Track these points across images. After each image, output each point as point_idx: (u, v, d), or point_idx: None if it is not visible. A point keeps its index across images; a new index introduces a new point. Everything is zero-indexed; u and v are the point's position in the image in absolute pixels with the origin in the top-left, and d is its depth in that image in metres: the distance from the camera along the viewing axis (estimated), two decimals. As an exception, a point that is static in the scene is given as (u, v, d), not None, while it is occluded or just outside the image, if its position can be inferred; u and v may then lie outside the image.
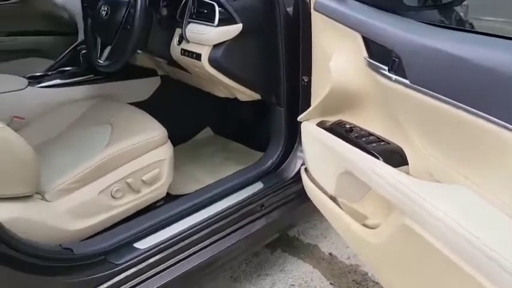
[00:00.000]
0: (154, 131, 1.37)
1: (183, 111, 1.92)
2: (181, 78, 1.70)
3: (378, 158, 0.87)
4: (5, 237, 0.95)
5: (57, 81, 1.61)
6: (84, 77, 1.66)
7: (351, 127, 0.98)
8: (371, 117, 0.97)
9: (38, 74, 1.68)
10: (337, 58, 1.00)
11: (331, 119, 1.10)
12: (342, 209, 1.10)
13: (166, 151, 1.37)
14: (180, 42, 1.39)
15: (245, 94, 1.49)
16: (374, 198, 1.03)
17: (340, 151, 0.96)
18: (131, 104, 1.73)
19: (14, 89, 1.51)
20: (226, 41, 1.31)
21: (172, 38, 1.43)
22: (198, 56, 1.33)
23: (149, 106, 1.80)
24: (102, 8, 1.37)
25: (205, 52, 1.32)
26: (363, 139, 0.93)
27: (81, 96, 1.64)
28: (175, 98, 1.87)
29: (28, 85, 1.55)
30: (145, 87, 1.81)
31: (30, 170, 1.09)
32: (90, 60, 1.52)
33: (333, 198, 1.12)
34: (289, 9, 1.34)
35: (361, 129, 0.98)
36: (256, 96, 1.50)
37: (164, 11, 1.38)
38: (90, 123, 1.48)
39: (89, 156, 1.25)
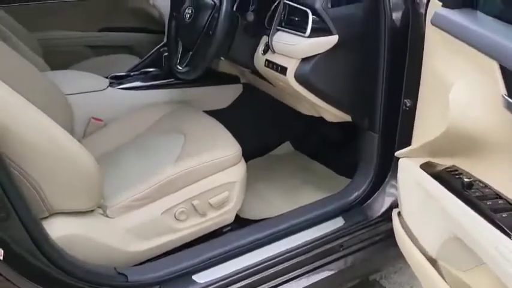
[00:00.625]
0: (228, 148, 1.24)
1: (263, 122, 1.78)
2: (264, 89, 1.56)
3: (508, 235, 0.64)
4: (60, 261, 0.89)
5: (138, 84, 1.55)
6: (165, 81, 1.58)
7: (471, 181, 0.75)
8: (502, 173, 0.73)
9: (120, 74, 1.64)
10: (459, 89, 0.77)
11: (442, 162, 0.88)
12: (443, 277, 0.87)
13: (238, 172, 1.23)
14: (265, 52, 1.24)
15: (333, 114, 1.30)
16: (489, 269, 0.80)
17: (453, 212, 0.74)
18: (210, 111, 1.65)
19: (95, 89, 1.48)
20: (318, 54, 1.13)
21: (257, 46, 1.29)
22: (283, 70, 1.17)
23: (228, 114, 1.70)
24: (186, 10, 1.26)
25: (291, 66, 1.15)
26: (488, 203, 0.70)
27: (160, 99, 1.56)
28: (255, 107, 1.74)
29: (109, 86, 1.51)
30: (227, 95, 1.69)
31: (93, 183, 1.02)
32: (170, 64, 1.43)
33: (433, 261, 0.90)
34: (396, 19, 1.12)
35: (486, 187, 0.74)
36: (346, 117, 1.30)
37: (251, 16, 1.23)
38: (164, 130, 1.40)
39: (157, 170, 1.16)
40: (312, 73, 1.15)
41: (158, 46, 1.71)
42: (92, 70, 1.92)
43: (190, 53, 1.28)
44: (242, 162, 1.26)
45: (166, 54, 1.57)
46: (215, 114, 1.59)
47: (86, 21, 2.14)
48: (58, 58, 2.04)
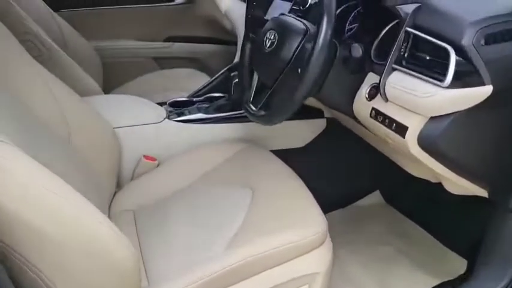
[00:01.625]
0: (310, 223, 0.92)
1: (349, 165, 1.44)
2: (357, 131, 1.21)
3: None
4: None
5: (200, 115, 1.27)
6: (232, 113, 1.29)
7: None
8: None
9: (181, 99, 1.38)
10: None
11: None
12: None
13: (322, 259, 0.90)
14: (371, 98, 0.89)
15: (460, 186, 0.93)
16: None
17: None
18: (284, 150, 1.34)
19: (150, 121, 1.22)
20: (457, 111, 0.77)
21: (359, 86, 0.95)
22: (400, 129, 0.82)
23: (305, 154, 1.38)
24: (267, 35, 0.95)
25: (415, 125, 0.80)
26: None
27: (224, 135, 1.28)
28: (339, 147, 1.40)
29: (166, 117, 1.24)
30: (306, 132, 1.37)
31: (126, 281, 0.74)
32: (240, 97, 1.13)
33: None
34: None
35: None
36: (479, 192, 0.93)
37: (358, 50, 0.89)
38: (226, 181, 1.11)
39: (214, 246, 0.87)
40: (444, 137, 0.79)
41: (227, 68, 1.42)
42: (153, 87, 1.71)
43: (269, 91, 0.97)
44: (328, 243, 0.94)
45: (236, 80, 1.28)
46: (290, 154, 1.29)
47: (149, 30, 1.90)
48: (117, 70, 1.84)
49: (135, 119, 1.21)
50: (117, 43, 1.87)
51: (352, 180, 1.45)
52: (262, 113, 0.97)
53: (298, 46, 0.89)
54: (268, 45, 0.94)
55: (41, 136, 0.87)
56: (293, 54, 0.89)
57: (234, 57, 1.93)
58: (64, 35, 1.61)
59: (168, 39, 1.94)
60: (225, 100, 1.31)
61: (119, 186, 1.19)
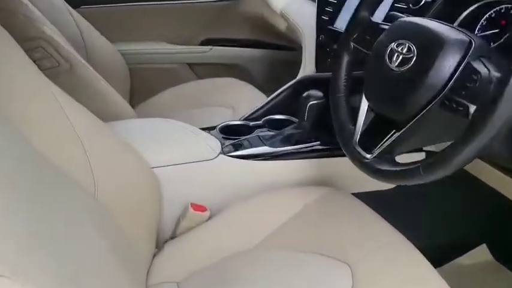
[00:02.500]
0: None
1: (447, 212, 1.11)
2: (484, 178, 0.89)
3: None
4: None
5: (265, 149, 0.95)
6: (305, 146, 0.97)
7: None
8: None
9: (234, 122, 1.07)
10: None
11: None
12: None
13: None
14: None
15: None
16: None
17: None
18: (370, 193, 1.03)
19: (199, 158, 0.90)
20: None
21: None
22: None
23: (395, 197, 1.07)
24: (394, 46, 0.62)
25: None
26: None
27: (298, 176, 0.96)
28: (440, 191, 1.08)
29: (221, 151, 0.93)
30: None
31: None
32: (330, 132, 0.81)
33: None
34: None
35: None
36: None
37: None
38: (310, 246, 0.79)
39: None
40: None
41: (294, 82, 1.10)
42: (189, 101, 1.40)
43: (397, 132, 0.64)
44: None
45: (312, 103, 0.95)
46: (373, 197, 0.99)
47: (183, 31, 1.58)
48: (144, 79, 1.54)
49: (180, 154, 0.90)
50: (144, 46, 1.56)
51: (452, 231, 1.13)
52: (386, 167, 0.64)
53: (458, 66, 0.56)
54: (397, 63, 0.62)
55: (55, 201, 0.56)
56: (450, 79, 0.56)
57: (281, 65, 1.62)
58: (84, 38, 1.30)
59: (205, 42, 1.62)
60: (294, 128, 0.99)
61: (157, 246, 0.88)
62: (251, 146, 0.96)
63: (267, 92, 1.40)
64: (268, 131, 1.03)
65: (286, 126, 1.01)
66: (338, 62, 0.78)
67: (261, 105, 1.11)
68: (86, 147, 0.67)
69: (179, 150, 0.90)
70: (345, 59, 0.77)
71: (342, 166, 0.99)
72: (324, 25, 1.07)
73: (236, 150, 0.95)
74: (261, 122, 1.07)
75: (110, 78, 1.16)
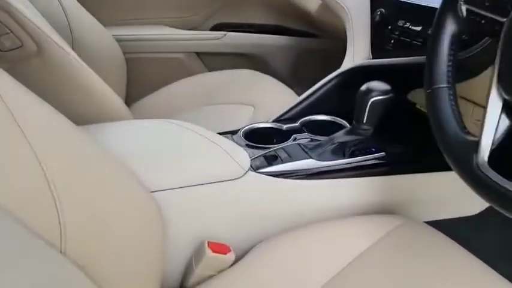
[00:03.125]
0: None
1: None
2: None
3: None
4: None
5: (310, 163, 0.68)
6: (365, 158, 0.70)
7: None
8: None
9: (260, 125, 0.80)
10: None
11: None
12: None
13: None
14: None
15: None
16: None
17: None
18: (447, 221, 0.77)
19: (220, 177, 0.63)
20: None
21: None
22: None
23: (480, 226, 0.80)
24: None
25: None
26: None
27: (356, 200, 0.69)
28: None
29: (250, 167, 0.66)
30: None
31: None
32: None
33: None
34: None
35: None
36: None
37: None
38: None
39: None
40: None
41: (335, 75, 0.83)
42: (199, 98, 1.14)
43: None
44: None
45: (377, 99, 0.68)
46: (453, 225, 0.74)
47: (190, 13, 1.31)
48: (142, 70, 1.27)
49: (193, 173, 0.63)
50: (144, 31, 1.29)
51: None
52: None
53: None
54: None
55: None
56: None
57: (308, 56, 1.34)
58: (69, 18, 1.03)
59: (218, 27, 1.35)
60: (347, 133, 0.72)
61: (161, 304, 0.61)
62: (290, 159, 0.69)
63: (293, 87, 1.14)
64: (309, 137, 0.77)
65: (332, 131, 0.75)
66: (438, 35, 0.51)
67: (297, 101, 0.84)
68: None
69: (192, 167, 0.63)
70: (450, 29, 0.50)
71: (415, 186, 0.73)
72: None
73: (270, 164, 0.68)
74: (297, 124, 0.81)
75: (101, 70, 0.89)
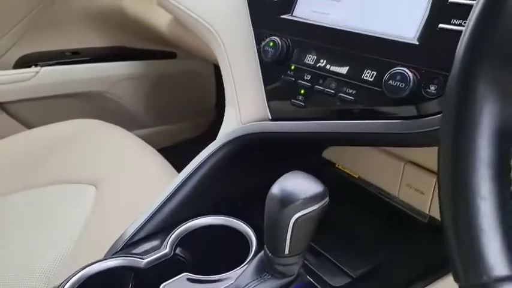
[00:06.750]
0: None
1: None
2: None
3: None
4: None
5: None
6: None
7: None
8: None
9: (95, 268, 0.43)
10: None
11: None
12: None
13: None
14: None
15: None
16: None
17: None
18: None
19: None
20: None
21: None
22: None
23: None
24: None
25: None
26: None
27: None
28: None
29: None
30: None
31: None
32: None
33: None
34: None
35: None
36: None
37: None
38: None
39: None
40: None
41: (217, 146, 0.50)
42: (9, 176, 0.70)
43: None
44: None
45: (304, 213, 0.37)
46: None
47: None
48: None
49: None
50: None
51: None
52: None
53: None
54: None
55: None
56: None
57: (172, 81, 0.96)
58: None
59: (24, 61, 0.91)
60: (256, 271, 0.38)
61: None
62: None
63: (154, 138, 0.79)
64: (192, 278, 0.41)
65: (230, 253, 0.42)
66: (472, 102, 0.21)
67: (165, 196, 0.49)
68: None
69: None
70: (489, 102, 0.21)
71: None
72: (263, 15, 0.50)
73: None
74: (166, 250, 0.45)
75: None
